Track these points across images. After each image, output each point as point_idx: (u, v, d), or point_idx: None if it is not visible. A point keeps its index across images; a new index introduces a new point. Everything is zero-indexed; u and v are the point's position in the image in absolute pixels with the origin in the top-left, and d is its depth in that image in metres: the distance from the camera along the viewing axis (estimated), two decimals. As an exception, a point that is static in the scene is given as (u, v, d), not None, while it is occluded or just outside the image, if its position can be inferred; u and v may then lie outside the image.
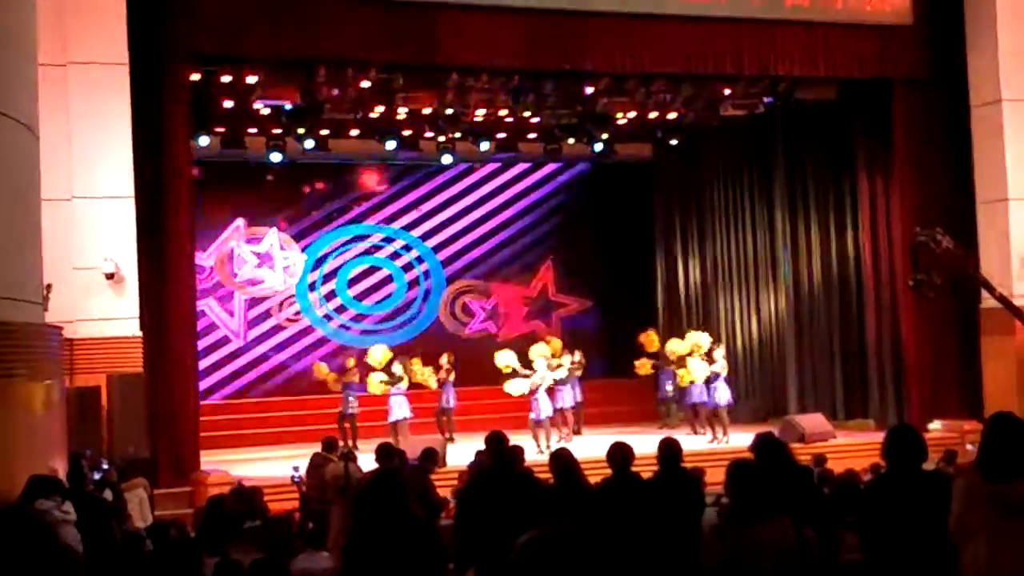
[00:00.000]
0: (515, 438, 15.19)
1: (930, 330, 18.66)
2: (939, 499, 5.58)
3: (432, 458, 11.83)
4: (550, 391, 18.48)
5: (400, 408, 18.71)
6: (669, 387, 21.03)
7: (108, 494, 11.11)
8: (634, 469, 7.79)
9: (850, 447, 17.38)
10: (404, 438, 17.37)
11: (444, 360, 19.97)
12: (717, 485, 10.20)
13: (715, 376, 18.96)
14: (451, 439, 18.62)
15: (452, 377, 19.92)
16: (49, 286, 12.18)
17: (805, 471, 8.33)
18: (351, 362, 19.51)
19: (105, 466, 12.39)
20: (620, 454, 7.76)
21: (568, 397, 19.17)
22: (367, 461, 12.13)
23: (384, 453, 10.55)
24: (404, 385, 19.03)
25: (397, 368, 19.03)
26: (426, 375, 19.55)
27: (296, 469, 12.85)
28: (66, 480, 9.48)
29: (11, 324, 9.79)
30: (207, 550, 9.07)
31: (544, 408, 18.18)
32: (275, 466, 15.87)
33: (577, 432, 19.88)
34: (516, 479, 8.45)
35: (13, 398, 9.75)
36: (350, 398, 19.06)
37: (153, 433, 15.00)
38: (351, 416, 19.00)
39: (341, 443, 16.69)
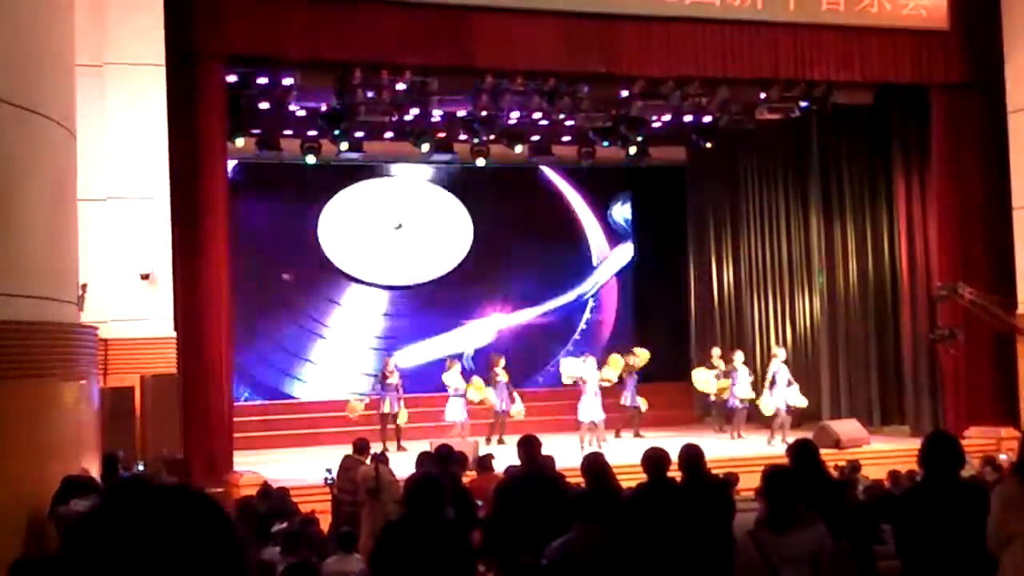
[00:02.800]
0: (562, 440, 15.46)
1: (966, 336, 18.49)
2: (977, 506, 5.53)
3: (450, 459, 11.53)
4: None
5: (457, 410, 19.03)
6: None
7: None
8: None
9: (885, 453, 17.27)
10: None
11: (501, 362, 20.06)
12: (749, 490, 10.15)
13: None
14: (501, 441, 18.74)
15: (506, 379, 19.97)
16: (84, 286, 12.26)
17: (839, 484, 8.29)
18: (391, 364, 19.54)
19: (140, 467, 12.42)
20: (654, 459, 7.72)
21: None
22: (402, 464, 12.14)
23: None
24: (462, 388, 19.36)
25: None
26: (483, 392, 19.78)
27: (329, 471, 12.85)
28: (100, 480, 9.53)
29: (47, 324, 9.85)
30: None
31: (586, 411, 18.43)
32: (308, 468, 15.89)
33: (638, 435, 20.21)
34: (547, 483, 8.43)
35: (48, 397, 9.81)
36: (392, 399, 19.12)
37: (186, 434, 15.04)
38: (392, 416, 19.07)
39: (382, 446, 16.97)
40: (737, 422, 19.87)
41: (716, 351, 21.61)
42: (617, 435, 20.03)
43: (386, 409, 19.06)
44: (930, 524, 5.71)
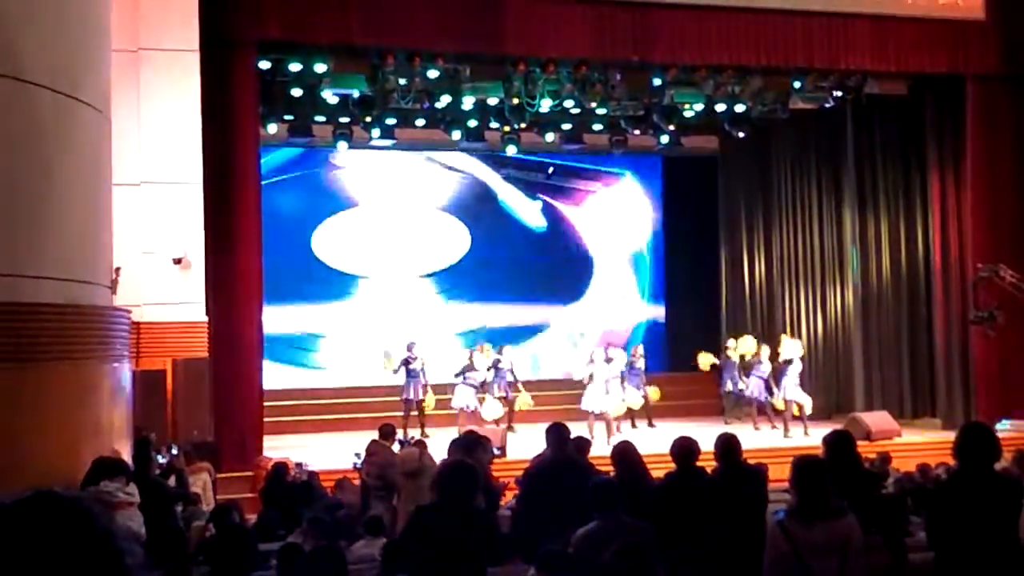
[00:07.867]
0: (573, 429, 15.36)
1: (998, 328, 18.37)
2: (1012, 499, 5.49)
3: (481, 446, 11.45)
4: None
5: (464, 396, 18.83)
6: (731, 383, 20.91)
7: (172, 480, 11.21)
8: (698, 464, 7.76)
9: (916, 446, 17.18)
10: (461, 428, 17.32)
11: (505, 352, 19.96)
12: (780, 482, 10.11)
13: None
14: (511, 428, 18.66)
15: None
16: (118, 269, 12.31)
17: (870, 475, 8.26)
18: (413, 350, 19.36)
19: (175, 451, 12.48)
20: (684, 449, 7.72)
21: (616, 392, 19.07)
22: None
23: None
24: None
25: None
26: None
27: (358, 455, 12.88)
28: (131, 463, 9.58)
29: (82, 307, 9.91)
30: (268, 534, 9.16)
31: (592, 401, 18.24)
32: (337, 452, 15.91)
33: (651, 425, 20.25)
34: (576, 471, 8.42)
35: (82, 380, 9.86)
36: (415, 385, 19.03)
37: (216, 418, 15.13)
38: (416, 403, 19.00)
39: (403, 432, 16.88)
40: (754, 413, 19.71)
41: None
42: (634, 425, 19.94)
43: (410, 395, 18.99)
44: (964, 516, 5.67)
